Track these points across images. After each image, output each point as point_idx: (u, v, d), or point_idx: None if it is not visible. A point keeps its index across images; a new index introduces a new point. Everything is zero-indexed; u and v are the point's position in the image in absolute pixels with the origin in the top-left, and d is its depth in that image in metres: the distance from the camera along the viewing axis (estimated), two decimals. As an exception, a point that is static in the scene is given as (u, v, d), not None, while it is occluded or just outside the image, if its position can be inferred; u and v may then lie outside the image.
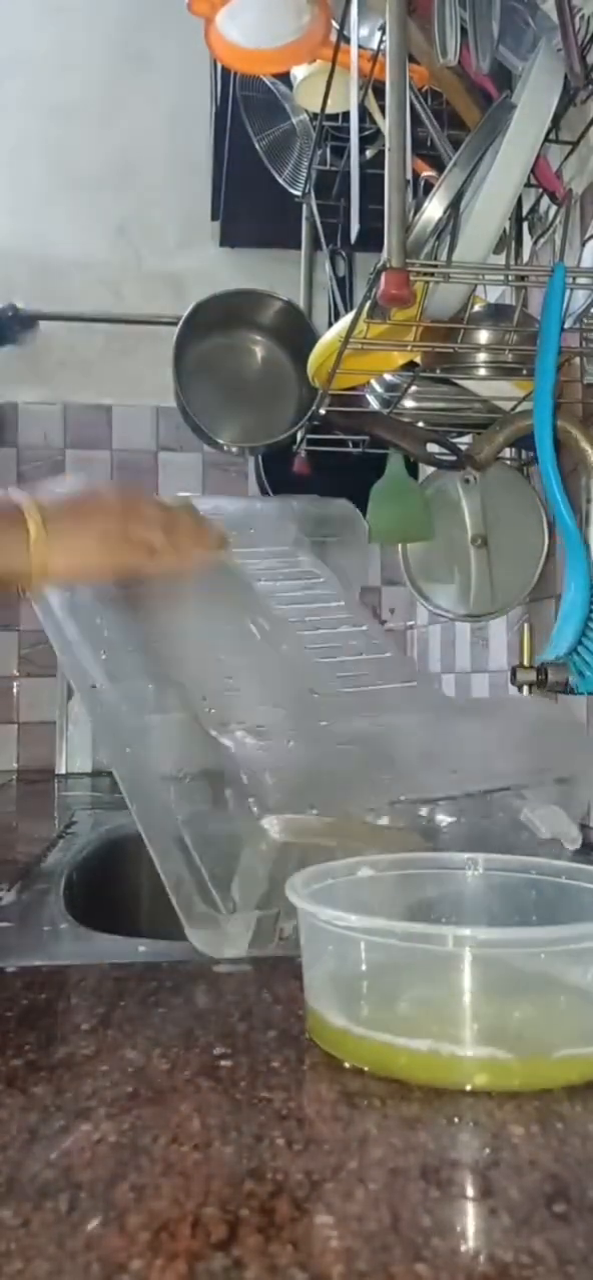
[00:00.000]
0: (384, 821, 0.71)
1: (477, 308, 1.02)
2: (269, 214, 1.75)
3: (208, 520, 0.82)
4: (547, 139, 0.87)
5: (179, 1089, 0.44)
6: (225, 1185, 0.36)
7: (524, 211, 1.05)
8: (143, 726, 0.78)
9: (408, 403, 1.11)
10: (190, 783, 0.73)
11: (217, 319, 1.58)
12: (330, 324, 1.42)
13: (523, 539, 1.21)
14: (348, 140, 1.10)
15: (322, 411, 1.15)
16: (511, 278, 1.03)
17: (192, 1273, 0.31)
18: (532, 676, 0.95)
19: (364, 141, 1.14)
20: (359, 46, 1.08)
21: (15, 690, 1.97)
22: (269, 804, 0.65)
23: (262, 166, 1.53)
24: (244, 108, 1.50)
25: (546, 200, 1.02)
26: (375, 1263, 0.31)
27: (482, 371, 1.03)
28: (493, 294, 1.18)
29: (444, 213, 0.84)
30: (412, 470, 1.24)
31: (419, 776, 0.75)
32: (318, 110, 1.27)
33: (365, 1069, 0.45)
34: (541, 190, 1.00)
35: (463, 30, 0.86)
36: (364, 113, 1.14)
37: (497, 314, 1.05)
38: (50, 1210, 0.34)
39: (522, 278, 0.98)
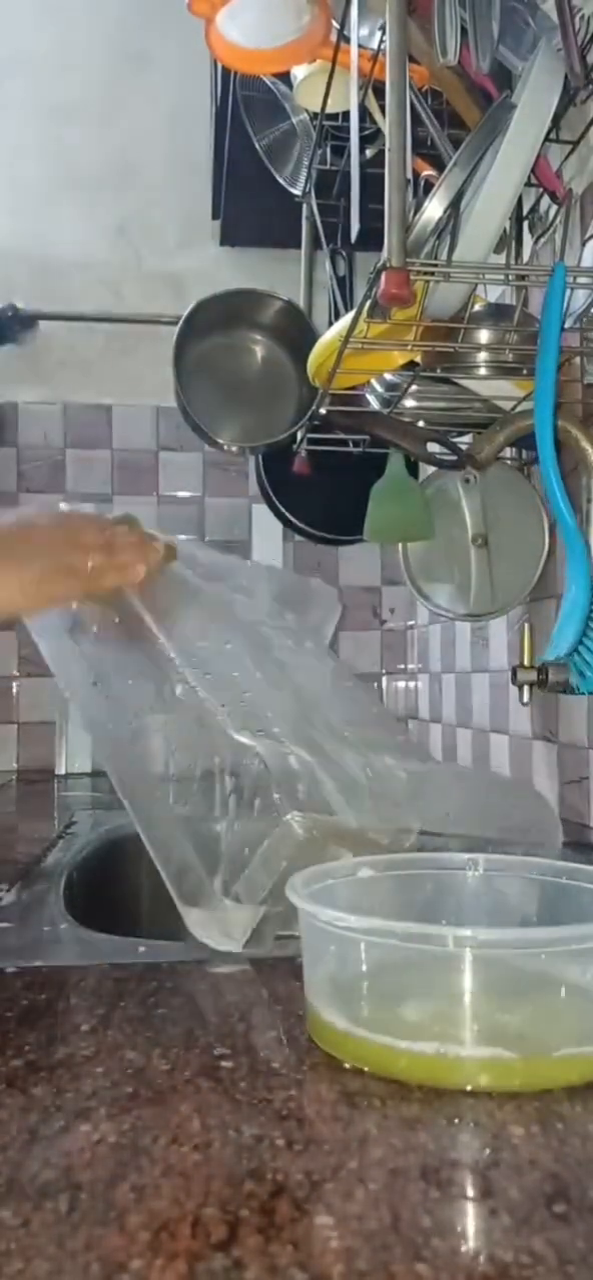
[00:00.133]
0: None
1: (477, 307, 1.02)
2: (269, 213, 1.75)
3: (152, 533, 0.82)
4: (547, 139, 0.87)
5: (179, 1089, 0.44)
6: (225, 1185, 0.36)
7: (525, 211, 1.05)
8: (139, 728, 0.78)
9: (408, 402, 1.11)
10: (190, 783, 0.73)
11: (217, 318, 1.58)
12: (330, 323, 1.42)
13: (523, 539, 1.21)
14: (348, 140, 1.10)
15: (322, 411, 1.15)
16: (511, 277, 1.02)
17: (192, 1273, 0.31)
18: (532, 676, 0.95)
19: (364, 141, 1.13)
20: (359, 46, 1.08)
21: (15, 690, 1.97)
22: (295, 803, 0.66)
23: (262, 166, 1.53)
24: (244, 107, 1.50)
25: (546, 200, 1.02)
26: (375, 1263, 0.31)
27: (482, 371, 1.02)
28: (493, 294, 1.18)
29: (444, 212, 0.84)
30: (412, 470, 1.24)
31: (418, 810, 0.76)
32: (318, 110, 1.27)
33: (366, 1069, 0.45)
34: (541, 190, 1.00)
35: (463, 30, 0.86)
36: (364, 112, 1.14)
37: (497, 314, 1.04)
38: (50, 1210, 0.34)
39: (522, 277, 0.97)
